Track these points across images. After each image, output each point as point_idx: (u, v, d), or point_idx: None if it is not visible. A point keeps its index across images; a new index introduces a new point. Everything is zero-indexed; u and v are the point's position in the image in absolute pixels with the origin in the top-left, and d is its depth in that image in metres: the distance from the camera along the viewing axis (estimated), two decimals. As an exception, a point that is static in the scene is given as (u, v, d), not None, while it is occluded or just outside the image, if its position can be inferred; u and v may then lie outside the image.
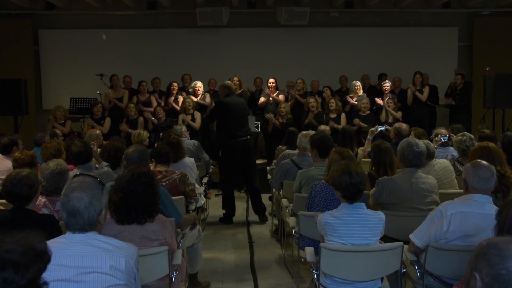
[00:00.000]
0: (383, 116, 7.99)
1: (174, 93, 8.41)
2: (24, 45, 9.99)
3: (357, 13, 10.24)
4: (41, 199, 3.20)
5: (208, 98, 8.29)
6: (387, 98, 8.16)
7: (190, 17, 9.75)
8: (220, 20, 9.47)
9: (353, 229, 2.76)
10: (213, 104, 7.66)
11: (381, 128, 6.27)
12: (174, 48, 10.11)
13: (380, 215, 2.85)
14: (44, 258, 1.31)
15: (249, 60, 10.05)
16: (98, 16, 10.06)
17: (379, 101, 8.21)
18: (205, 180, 6.01)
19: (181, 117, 7.84)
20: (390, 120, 7.75)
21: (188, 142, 6.18)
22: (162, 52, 10.09)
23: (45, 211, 3.14)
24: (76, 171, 4.00)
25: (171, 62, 9.95)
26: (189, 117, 7.78)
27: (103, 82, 8.66)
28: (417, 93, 8.38)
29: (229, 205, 6.17)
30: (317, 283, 2.93)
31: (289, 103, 8.33)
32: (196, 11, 9.42)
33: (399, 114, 7.89)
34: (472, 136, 4.63)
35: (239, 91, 7.90)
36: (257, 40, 10.20)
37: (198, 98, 8.22)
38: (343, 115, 7.95)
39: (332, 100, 7.99)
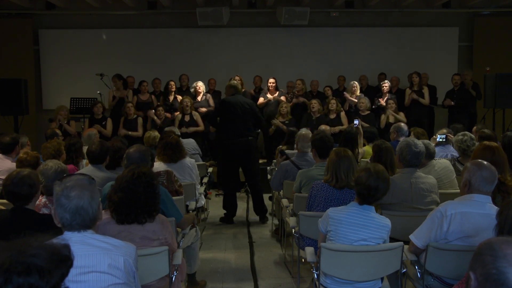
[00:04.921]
0: (384, 118, 7.95)
1: (172, 92, 8.40)
2: (24, 45, 9.98)
3: (357, 13, 10.23)
4: (41, 199, 3.20)
5: (211, 101, 8.24)
6: (385, 98, 8.15)
7: (190, 17, 9.74)
8: (220, 20, 9.46)
9: (356, 229, 2.75)
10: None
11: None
12: (174, 48, 10.10)
13: (387, 221, 2.82)
14: (67, 263, 1.31)
15: (249, 60, 10.04)
16: (98, 16, 10.05)
17: (382, 101, 8.19)
18: (205, 180, 5.99)
19: (178, 116, 7.75)
20: (391, 121, 7.72)
21: (185, 142, 6.13)
22: (162, 52, 10.08)
23: (45, 211, 3.14)
24: (87, 169, 4.11)
25: (171, 62, 9.95)
26: (188, 117, 7.72)
27: (103, 82, 8.66)
28: (421, 99, 8.34)
29: (230, 205, 6.15)
30: (317, 283, 2.93)
31: (290, 104, 8.30)
32: (196, 11, 9.41)
33: (401, 116, 7.83)
34: (472, 136, 4.62)
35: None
36: (257, 40, 10.19)
37: (199, 98, 8.18)
38: (343, 114, 7.92)
39: (333, 101, 7.95)
